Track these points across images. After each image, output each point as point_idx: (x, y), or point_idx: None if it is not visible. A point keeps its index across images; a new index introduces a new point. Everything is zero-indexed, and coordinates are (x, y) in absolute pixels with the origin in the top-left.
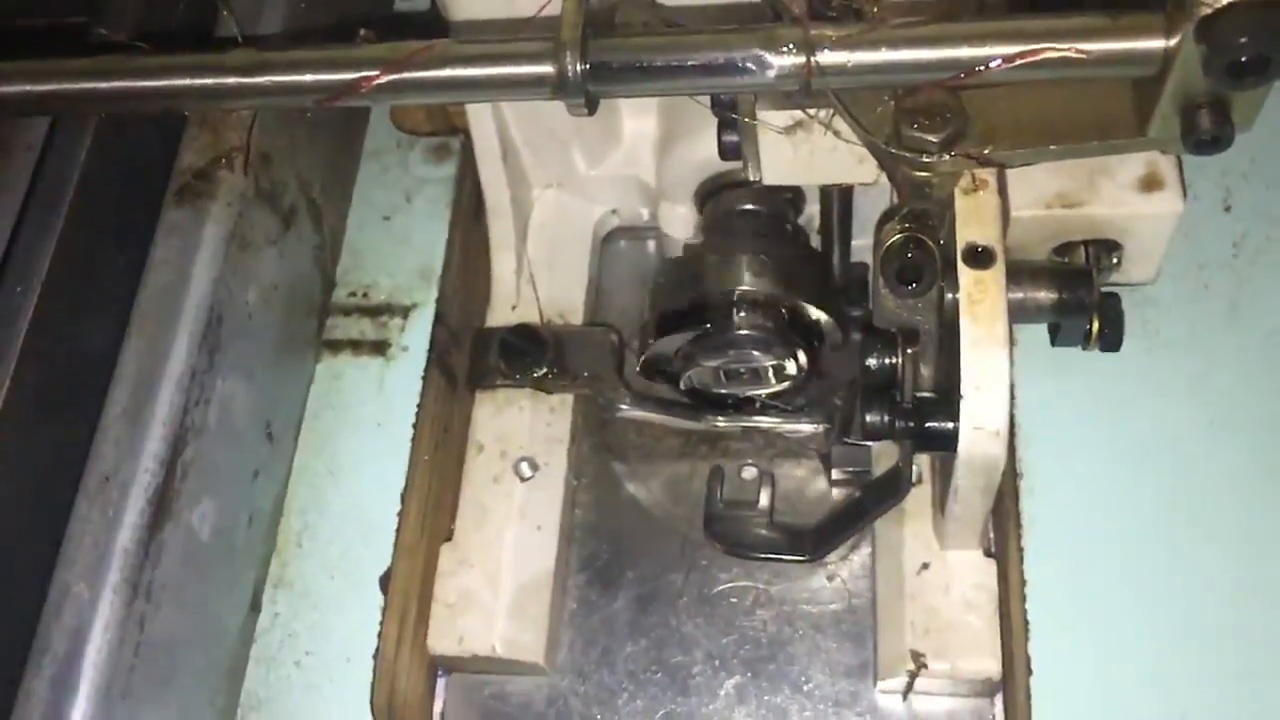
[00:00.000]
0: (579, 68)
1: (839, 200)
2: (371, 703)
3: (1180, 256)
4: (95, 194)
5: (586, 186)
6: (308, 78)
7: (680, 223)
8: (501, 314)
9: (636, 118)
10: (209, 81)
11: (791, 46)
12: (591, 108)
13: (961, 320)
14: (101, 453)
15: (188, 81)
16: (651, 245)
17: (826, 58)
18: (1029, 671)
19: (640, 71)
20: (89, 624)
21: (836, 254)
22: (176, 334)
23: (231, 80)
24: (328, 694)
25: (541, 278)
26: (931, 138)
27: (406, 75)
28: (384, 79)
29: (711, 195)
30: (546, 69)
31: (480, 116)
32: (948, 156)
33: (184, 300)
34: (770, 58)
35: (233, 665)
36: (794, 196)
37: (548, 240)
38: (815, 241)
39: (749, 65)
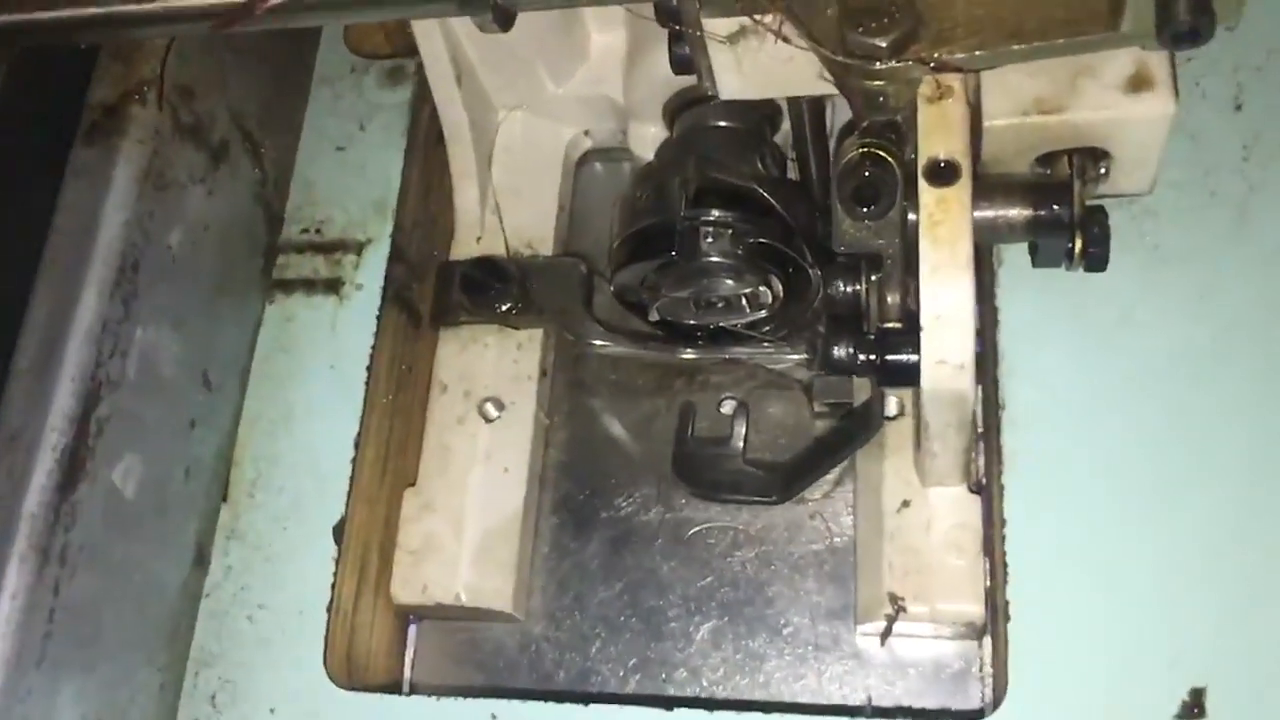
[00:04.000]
0: None
1: (809, 114)
2: (325, 656)
3: (1184, 161)
4: (4, 136)
5: (554, 107)
6: (198, 1)
7: (651, 143)
8: (466, 246)
9: (604, 31)
10: (93, 11)
11: None
12: (504, 23)
13: (921, 243)
14: (7, 411)
15: (70, 13)
16: (629, 169)
17: None
18: (1006, 617)
19: None
20: None
21: (814, 173)
22: (85, 282)
23: (117, 8)
24: (281, 647)
25: (508, 206)
26: (879, 41)
27: None
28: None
29: (680, 112)
30: None
31: (428, 35)
32: (898, 62)
33: (93, 246)
34: None
35: (175, 622)
36: (771, 113)
37: (514, 166)
38: None
39: None
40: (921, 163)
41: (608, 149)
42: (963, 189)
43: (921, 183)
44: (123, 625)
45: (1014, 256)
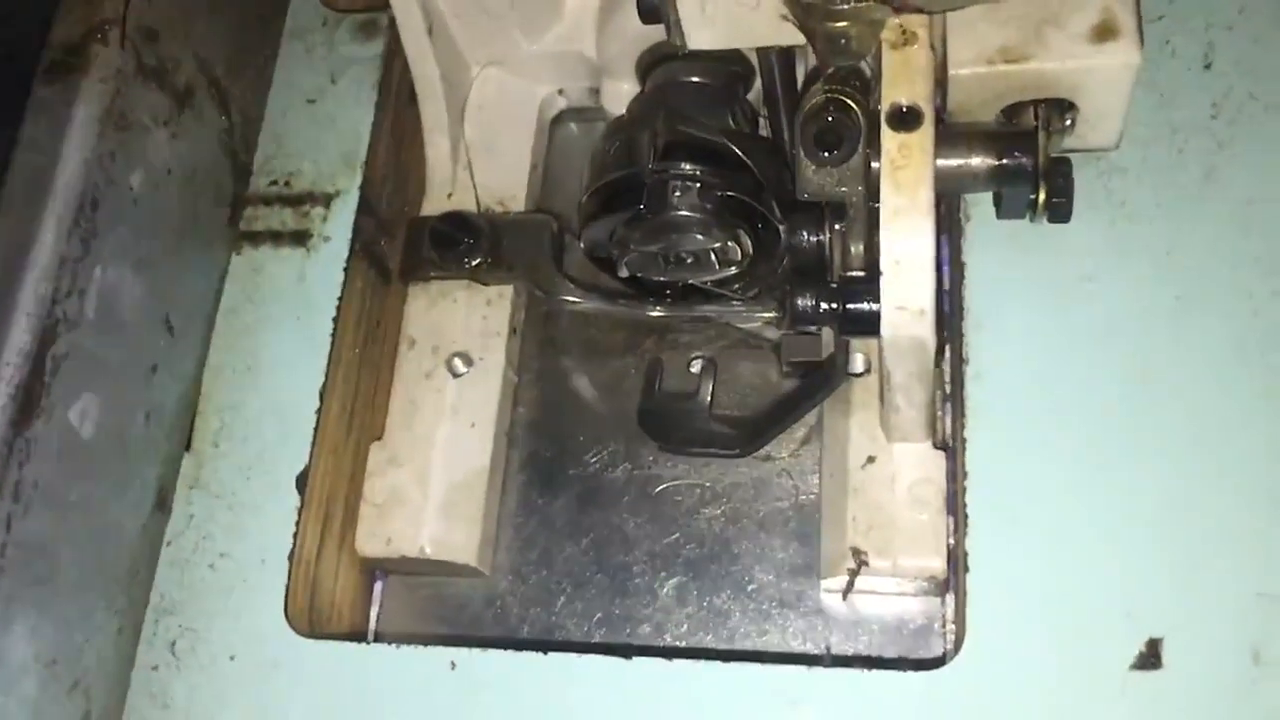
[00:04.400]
0: None
1: (780, 70)
2: (285, 605)
3: (1152, 119)
4: None
5: (527, 64)
6: None
7: (624, 100)
8: (437, 202)
9: None
10: None
11: None
12: None
13: (882, 188)
14: None
15: None
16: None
17: None
18: (965, 569)
19: None
20: None
21: (785, 130)
22: (43, 218)
23: None
24: (242, 596)
25: (480, 162)
26: None
27: None
28: None
29: (652, 68)
30: None
31: None
32: (859, 2)
33: (52, 182)
34: None
35: (134, 567)
36: (742, 70)
37: (487, 122)
38: None
39: None
40: (885, 108)
41: (582, 108)
42: (925, 135)
43: (884, 128)
44: (79, 566)
45: (981, 212)
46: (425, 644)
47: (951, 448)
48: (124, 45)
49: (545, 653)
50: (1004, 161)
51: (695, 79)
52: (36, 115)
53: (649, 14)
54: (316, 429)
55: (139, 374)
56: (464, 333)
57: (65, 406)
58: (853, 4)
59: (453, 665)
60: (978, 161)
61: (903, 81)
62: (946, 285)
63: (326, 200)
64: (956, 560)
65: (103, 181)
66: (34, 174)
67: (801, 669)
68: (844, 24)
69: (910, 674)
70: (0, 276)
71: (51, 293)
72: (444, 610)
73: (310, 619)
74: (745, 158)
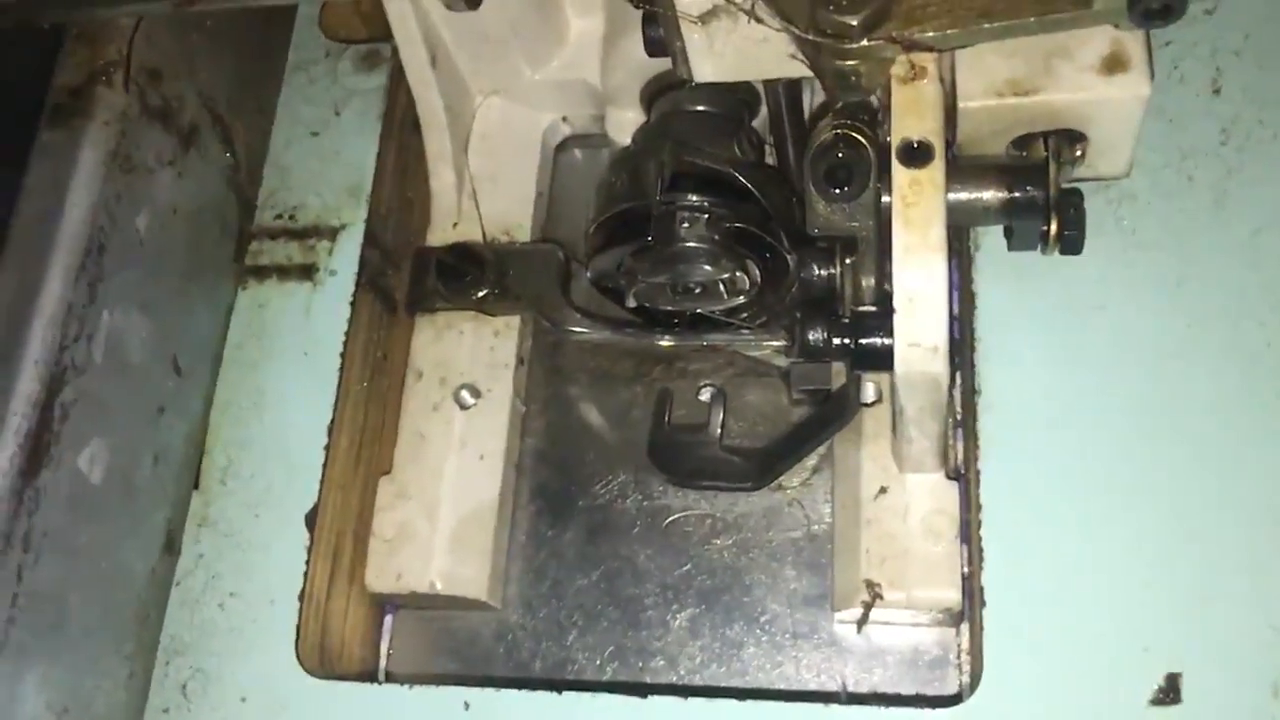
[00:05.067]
0: None
1: (786, 99)
2: (296, 645)
3: (1162, 145)
4: None
5: (532, 92)
6: None
7: (629, 128)
8: (442, 232)
9: (583, 16)
10: None
11: None
12: (471, 1)
13: (894, 224)
14: None
15: None
16: (608, 155)
17: None
18: (982, 603)
19: None
20: None
21: (791, 159)
22: (49, 265)
23: None
24: (252, 636)
25: (485, 192)
26: (850, 19)
27: None
28: None
29: (657, 97)
30: None
31: (402, 17)
32: (869, 41)
33: (58, 229)
34: None
35: (143, 610)
36: (749, 98)
37: (491, 151)
38: None
39: None
40: (895, 144)
41: (586, 135)
42: (936, 170)
43: (895, 164)
44: (89, 612)
45: (991, 241)
46: (438, 684)
47: (965, 477)
48: (128, 87)
49: (560, 692)
50: (1015, 195)
51: (701, 108)
52: (42, 160)
53: (655, 46)
54: (325, 464)
55: (147, 416)
56: (471, 364)
57: (74, 453)
58: (862, 44)
59: (466, 705)
60: (989, 195)
61: (912, 117)
62: (956, 311)
63: (332, 234)
64: (972, 592)
65: (109, 225)
66: (40, 220)
67: (818, 706)
68: (853, 62)
69: (928, 712)
70: (7, 325)
71: (59, 339)
72: (455, 645)
73: (321, 658)
74: (753, 188)
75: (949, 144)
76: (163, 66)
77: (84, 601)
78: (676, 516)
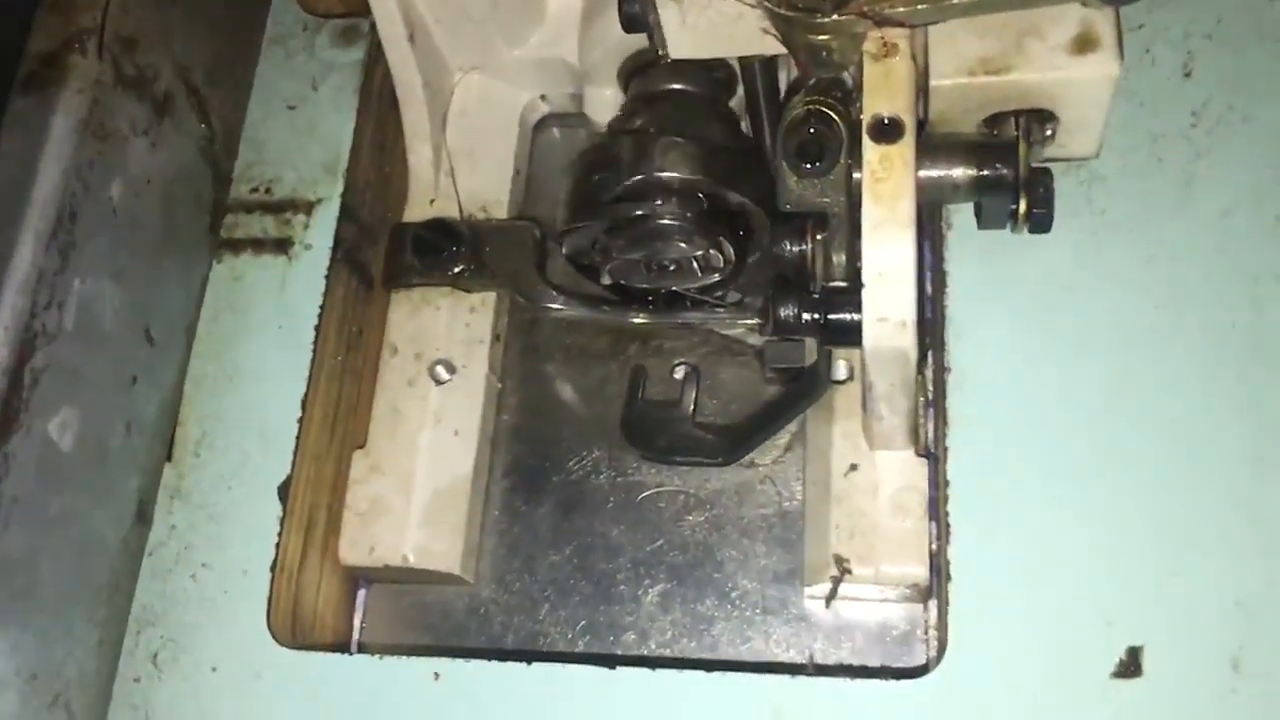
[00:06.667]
0: None
1: (762, 79)
2: (268, 615)
3: (1132, 127)
4: None
5: (510, 70)
6: None
7: (606, 107)
8: (419, 208)
9: None
10: None
11: None
12: None
13: (864, 200)
14: None
15: None
16: (585, 135)
17: None
18: (947, 578)
19: None
20: None
21: (767, 135)
22: (21, 231)
23: None
24: (224, 606)
25: (462, 169)
26: None
27: None
28: None
29: (634, 76)
30: None
31: None
32: (840, 15)
33: (29, 195)
34: None
35: (114, 579)
36: (726, 77)
37: (469, 128)
38: None
39: None
40: (866, 120)
41: (565, 114)
42: (906, 146)
43: (865, 139)
44: (60, 579)
45: (963, 221)
46: (408, 654)
47: (934, 455)
48: (102, 55)
49: (529, 663)
50: (985, 173)
51: (678, 86)
52: (13, 127)
53: (631, 23)
54: (299, 437)
55: (119, 385)
56: (447, 340)
57: (45, 420)
58: (834, 18)
59: (436, 676)
60: (959, 173)
61: (884, 93)
62: (929, 290)
63: (308, 208)
64: (939, 567)
65: (81, 192)
66: (11, 186)
67: (785, 678)
68: (825, 37)
69: (893, 683)
70: None
71: (30, 306)
72: (428, 619)
73: (293, 629)
74: (727, 165)
75: (921, 122)
76: (138, 35)
77: (55, 569)
78: (650, 492)
